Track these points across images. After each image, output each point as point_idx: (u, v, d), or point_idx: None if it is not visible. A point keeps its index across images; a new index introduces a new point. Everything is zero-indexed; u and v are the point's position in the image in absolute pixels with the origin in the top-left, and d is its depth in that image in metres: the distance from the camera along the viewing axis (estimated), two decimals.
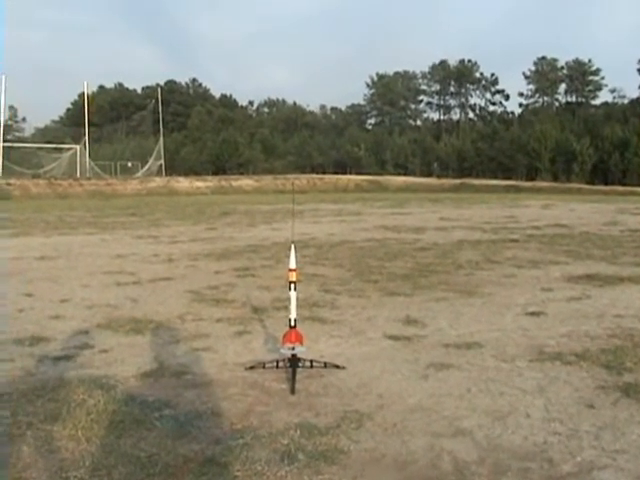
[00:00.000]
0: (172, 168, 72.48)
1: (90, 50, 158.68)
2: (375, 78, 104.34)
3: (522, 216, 24.26)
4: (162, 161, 69.40)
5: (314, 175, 68.36)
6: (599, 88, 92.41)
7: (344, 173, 74.48)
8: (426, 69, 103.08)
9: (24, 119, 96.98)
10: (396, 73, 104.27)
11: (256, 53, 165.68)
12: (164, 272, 10.99)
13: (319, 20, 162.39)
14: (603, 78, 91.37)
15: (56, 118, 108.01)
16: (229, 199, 42.24)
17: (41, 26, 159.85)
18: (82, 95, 74.13)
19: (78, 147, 62.25)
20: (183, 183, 55.69)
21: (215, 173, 74.22)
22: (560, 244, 14.68)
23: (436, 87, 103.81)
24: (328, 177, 67.00)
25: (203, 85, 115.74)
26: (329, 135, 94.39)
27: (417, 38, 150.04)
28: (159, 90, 76.90)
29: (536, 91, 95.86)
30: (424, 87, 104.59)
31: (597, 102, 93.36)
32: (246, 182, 59.31)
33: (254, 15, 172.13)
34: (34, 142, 73.37)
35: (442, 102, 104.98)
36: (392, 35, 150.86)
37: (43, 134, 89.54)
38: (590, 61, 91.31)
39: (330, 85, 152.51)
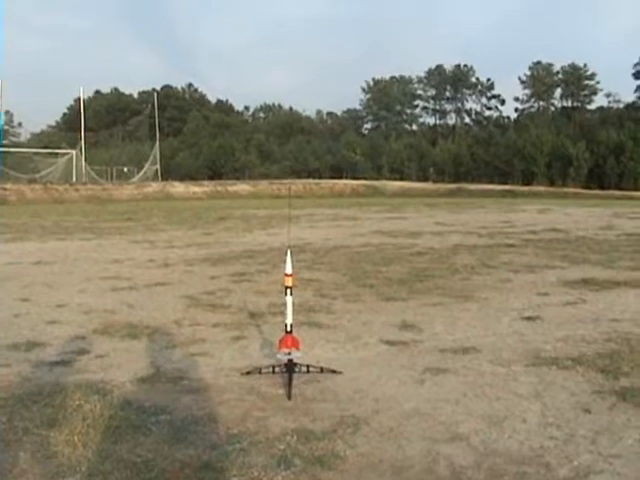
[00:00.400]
0: (168, 173, 72.52)
1: (86, 55, 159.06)
2: (371, 83, 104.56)
3: (518, 221, 24.30)
4: (158, 166, 69.38)
5: (310, 180, 68.38)
6: (594, 92, 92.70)
7: (340, 178, 74.50)
8: (422, 74, 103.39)
9: (20, 124, 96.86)
10: (392, 78, 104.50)
11: (252, 58, 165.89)
12: (160, 277, 10.98)
13: (315, 26, 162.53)
14: (598, 82, 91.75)
15: (52, 123, 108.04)
16: (225, 204, 42.23)
17: (37, 31, 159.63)
18: (78, 100, 74.18)
19: (74, 152, 62.15)
20: (179, 188, 55.62)
21: (211, 178, 74.20)
22: (556, 248, 14.70)
23: (432, 92, 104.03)
24: (324, 182, 66.98)
25: (199, 90, 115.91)
26: (325, 140, 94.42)
27: (413, 43, 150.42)
28: (155, 95, 76.99)
29: (532, 96, 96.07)
30: (420, 92, 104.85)
31: (593, 106, 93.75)
32: (242, 187, 59.23)
33: (250, 21, 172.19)
34: (30, 147, 73.26)
35: (438, 107, 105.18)
36: (388, 40, 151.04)
37: (39, 139, 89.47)
38: (585, 66, 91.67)
39: (326, 90, 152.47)
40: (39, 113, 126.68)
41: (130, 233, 19.88)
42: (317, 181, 67.46)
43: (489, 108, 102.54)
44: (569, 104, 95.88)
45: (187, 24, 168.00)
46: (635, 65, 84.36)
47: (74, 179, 58.18)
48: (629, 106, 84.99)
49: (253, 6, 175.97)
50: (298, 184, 61.21)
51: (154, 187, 55.38)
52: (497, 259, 12.90)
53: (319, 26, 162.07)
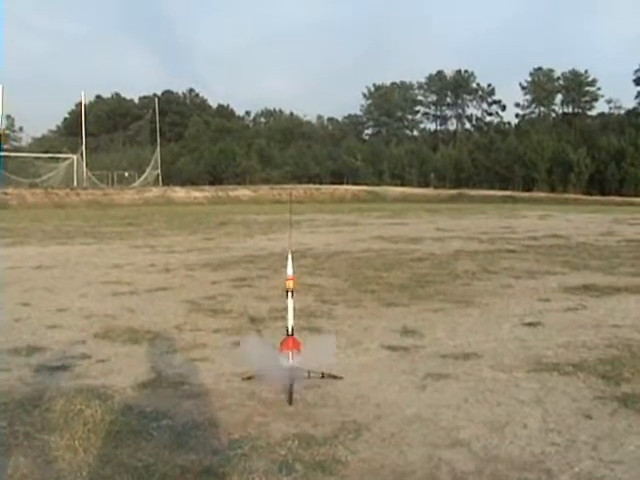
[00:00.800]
0: (169, 178, 72.66)
1: (88, 60, 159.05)
2: (372, 89, 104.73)
3: (519, 226, 24.29)
4: (159, 171, 69.54)
5: (311, 185, 68.42)
6: (595, 99, 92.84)
7: (341, 183, 74.56)
8: (423, 79, 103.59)
9: (21, 129, 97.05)
10: (393, 84, 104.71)
11: (253, 63, 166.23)
12: (161, 282, 10.98)
13: (316, 31, 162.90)
14: (599, 89, 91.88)
15: (53, 128, 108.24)
16: (226, 209, 42.24)
17: (38, 35, 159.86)
18: (79, 105, 74.35)
19: (75, 157, 62.36)
20: (180, 193, 55.63)
21: (212, 183, 74.28)
22: (557, 254, 14.70)
23: (433, 98, 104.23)
24: (325, 187, 67.00)
25: (200, 95, 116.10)
26: (326, 145, 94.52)
27: (414, 48, 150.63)
28: (156, 100, 77.17)
29: (532, 101, 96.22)
30: (421, 97, 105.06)
31: (593, 112, 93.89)
32: (243, 192, 59.24)
33: (252, 26, 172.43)
34: (31, 152, 73.42)
35: (439, 113, 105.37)
36: (389, 45, 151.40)
37: (40, 143, 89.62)
38: (586, 72, 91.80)
39: (327, 96, 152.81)
40: (40, 118, 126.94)
41: (131, 238, 19.90)
42: (318, 186, 67.48)
43: (490, 114, 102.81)
44: (570, 110, 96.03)
45: (188, 29, 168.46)
46: (636, 71, 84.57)
47: (75, 184, 58.29)
48: (630, 112, 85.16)
49: (253, 10, 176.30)
50: (299, 189, 61.23)
51: (155, 192, 55.40)
52: (498, 265, 12.89)
53: (318, 32, 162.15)
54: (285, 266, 5.39)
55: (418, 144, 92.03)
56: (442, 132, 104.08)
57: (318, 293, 9.69)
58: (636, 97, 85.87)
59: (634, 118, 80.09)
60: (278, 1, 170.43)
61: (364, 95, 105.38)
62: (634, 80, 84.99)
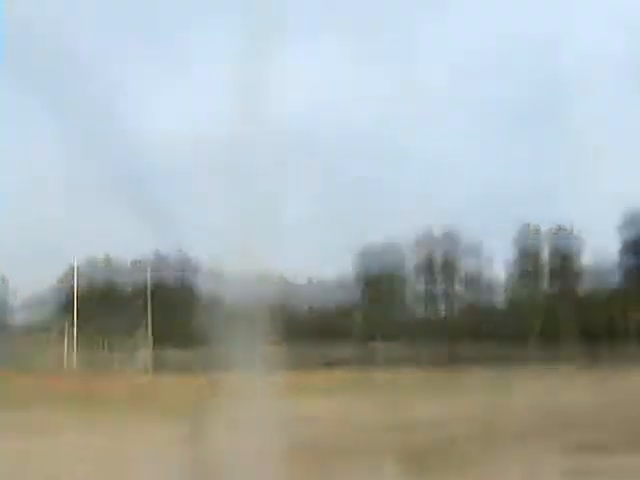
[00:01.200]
0: (161, 364, 72.00)
1: (78, 228, 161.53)
2: (360, 249, 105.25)
3: (514, 400, 24.02)
4: (150, 351, 69.23)
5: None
6: (580, 252, 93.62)
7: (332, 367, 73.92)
8: (412, 236, 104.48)
9: (15, 294, 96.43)
10: (384, 244, 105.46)
11: (243, 231, 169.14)
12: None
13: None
14: (585, 240, 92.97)
15: (44, 293, 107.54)
16: (221, 393, 41.61)
17: (31, 204, 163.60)
18: (70, 270, 75.05)
19: (65, 337, 62.29)
20: (171, 378, 55.15)
21: (204, 365, 73.50)
22: (554, 434, 14.52)
23: (422, 254, 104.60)
24: (319, 372, 66.43)
25: (191, 281, 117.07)
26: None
27: (403, 206, 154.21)
28: (148, 286, 78.05)
29: (519, 256, 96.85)
30: (410, 257, 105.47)
31: (583, 261, 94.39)
32: (237, 375, 58.48)
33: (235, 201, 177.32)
34: (20, 331, 73.37)
35: (428, 272, 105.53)
36: (376, 205, 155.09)
37: (30, 319, 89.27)
38: (572, 226, 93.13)
39: (316, 258, 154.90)
40: (31, 283, 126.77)
41: (123, 427, 19.46)
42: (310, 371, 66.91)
43: (478, 270, 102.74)
44: (558, 263, 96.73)
45: (179, 203, 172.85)
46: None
47: (65, 365, 57.83)
48: (617, 290, 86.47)
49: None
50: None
51: (147, 375, 54.95)
52: (491, 449, 12.66)
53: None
54: None
55: (409, 309, 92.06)
56: (431, 290, 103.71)
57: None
58: (620, 277, 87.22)
59: (621, 294, 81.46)
60: None
61: (353, 256, 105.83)
62: (619, 227, 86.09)
